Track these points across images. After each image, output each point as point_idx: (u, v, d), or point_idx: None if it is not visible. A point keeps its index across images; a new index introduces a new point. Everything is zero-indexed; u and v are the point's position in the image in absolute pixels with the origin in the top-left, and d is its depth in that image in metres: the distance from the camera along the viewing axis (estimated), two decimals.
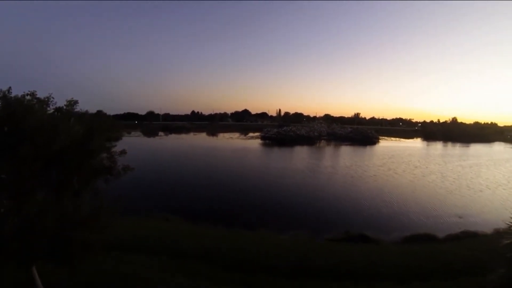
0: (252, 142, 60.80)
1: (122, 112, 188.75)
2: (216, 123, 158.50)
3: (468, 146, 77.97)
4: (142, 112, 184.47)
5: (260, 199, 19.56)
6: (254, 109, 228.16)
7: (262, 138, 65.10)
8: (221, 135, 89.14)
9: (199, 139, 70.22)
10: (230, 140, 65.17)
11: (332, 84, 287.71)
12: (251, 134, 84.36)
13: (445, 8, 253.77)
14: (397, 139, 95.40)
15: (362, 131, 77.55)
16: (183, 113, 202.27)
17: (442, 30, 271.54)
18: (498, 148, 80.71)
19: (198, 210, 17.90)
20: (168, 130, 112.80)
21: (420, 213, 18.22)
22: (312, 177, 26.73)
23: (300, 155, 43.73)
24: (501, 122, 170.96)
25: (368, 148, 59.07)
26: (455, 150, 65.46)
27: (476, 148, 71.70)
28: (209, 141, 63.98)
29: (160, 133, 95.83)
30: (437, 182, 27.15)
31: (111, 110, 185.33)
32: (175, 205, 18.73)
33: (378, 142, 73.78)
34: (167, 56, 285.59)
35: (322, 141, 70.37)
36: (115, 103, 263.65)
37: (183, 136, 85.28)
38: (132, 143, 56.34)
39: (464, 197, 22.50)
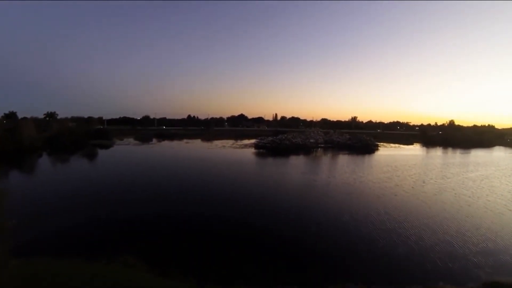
0: (246, 152, 57.39)
1: (118, 117, 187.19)
2: (211, 129, 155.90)
3: (469, 152, 75.71)
4: (139, 116, 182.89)
5: (246, 235, 16.13)
6: (251, 113, 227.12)
7: (256, 147, 61.77)
8: (215, 142, 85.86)
9: (190, 148, 66.75)
10: (223, 150, 61.74)
11: (329, 88, 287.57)
12: (245, 142, 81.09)
13: (442, 11, 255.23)
14: (396, 145, 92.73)
15: (361, 139, 74.60)
16: (179, 117, 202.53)
17: (438, 33, 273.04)
18: (500, 153, 78.38)
19: (172, 250, 14.44)
20: (161, 137, 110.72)
21: (435, 251, 14.93)
22: (309, 201, 23.29)
23: (296, 167, 40.30)
24: (498, 124, 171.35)
25: (367, 157, 55.97)
26: (458, 157, 62.70)
27: (479, 155, 69.16)
28: (200, 151, 60.45)
29: (154, 140, 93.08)
30: (452, 202, 23.97)
31: (108, 114, 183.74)
32: (146, 240, 15.25)
33: (377, 149, 70.93)
34: (164, 60, 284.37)
35: (319, 149, 67.31)
36: (113, 106, 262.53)
37: (175, 143, 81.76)
38: (115, 153, 52.81)
39: (485, 224, 19.31)
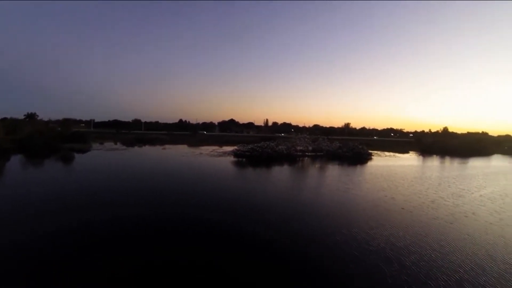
0: (222, 161, 49.96)
1: (107, 120, 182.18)
2: (197, 134, 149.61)
3: (468, 162, 70.45)
4: (131, 119, 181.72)
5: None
6: (242, 119, 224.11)
7: (235, 155, 54.47)
8: (199, 148, 78.64)
9: (163, 155, 59.28)
10: (198, 158, 54.26)
11: (322, 94, 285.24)
12: (226, 149, 73.87)
13: (434, 17, 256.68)
14: (391, 153, 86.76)
15: (353, 147, 67.99)
16: (172, 121, 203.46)
17: (431, 38, 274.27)
18: (503, 163, 73.30)
19: None
20: (142, 141, 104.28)
21: None
22: (282, 242, 15.97)
23: (276, 182, 32.94)
24: (491, 131, 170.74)
25: (360, 168, 49.16)
26: (460, 168, 56.70)
27: (481, 165, 63.41)
28: (171, 158, 52.94)
29: (136, 145, 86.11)
30: (480, 236, 16.94)
31: (101, 117, 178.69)
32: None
33: (370, 159, 64.49)
34: (158, 64, 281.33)
35: (306, 158, 60.26)
36: (107, 109, 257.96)
37: (152, 149, 74.13)
38: (82, 159, 44.52)
39: None
